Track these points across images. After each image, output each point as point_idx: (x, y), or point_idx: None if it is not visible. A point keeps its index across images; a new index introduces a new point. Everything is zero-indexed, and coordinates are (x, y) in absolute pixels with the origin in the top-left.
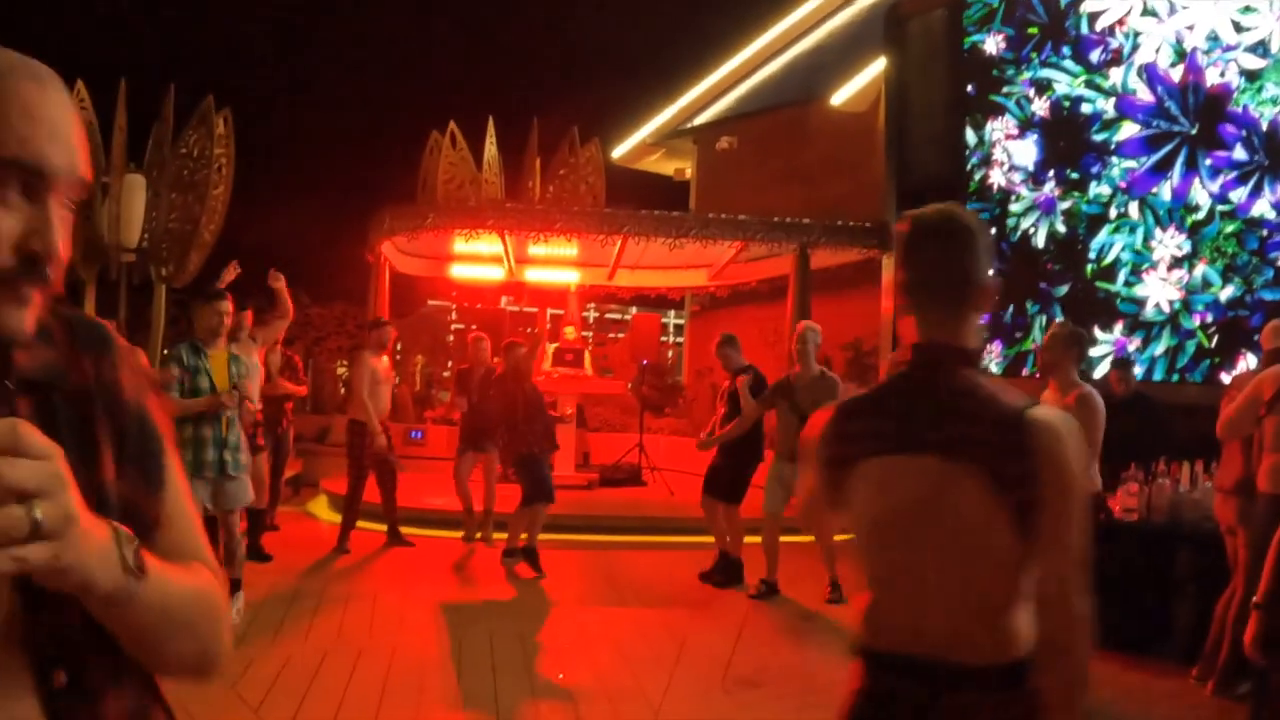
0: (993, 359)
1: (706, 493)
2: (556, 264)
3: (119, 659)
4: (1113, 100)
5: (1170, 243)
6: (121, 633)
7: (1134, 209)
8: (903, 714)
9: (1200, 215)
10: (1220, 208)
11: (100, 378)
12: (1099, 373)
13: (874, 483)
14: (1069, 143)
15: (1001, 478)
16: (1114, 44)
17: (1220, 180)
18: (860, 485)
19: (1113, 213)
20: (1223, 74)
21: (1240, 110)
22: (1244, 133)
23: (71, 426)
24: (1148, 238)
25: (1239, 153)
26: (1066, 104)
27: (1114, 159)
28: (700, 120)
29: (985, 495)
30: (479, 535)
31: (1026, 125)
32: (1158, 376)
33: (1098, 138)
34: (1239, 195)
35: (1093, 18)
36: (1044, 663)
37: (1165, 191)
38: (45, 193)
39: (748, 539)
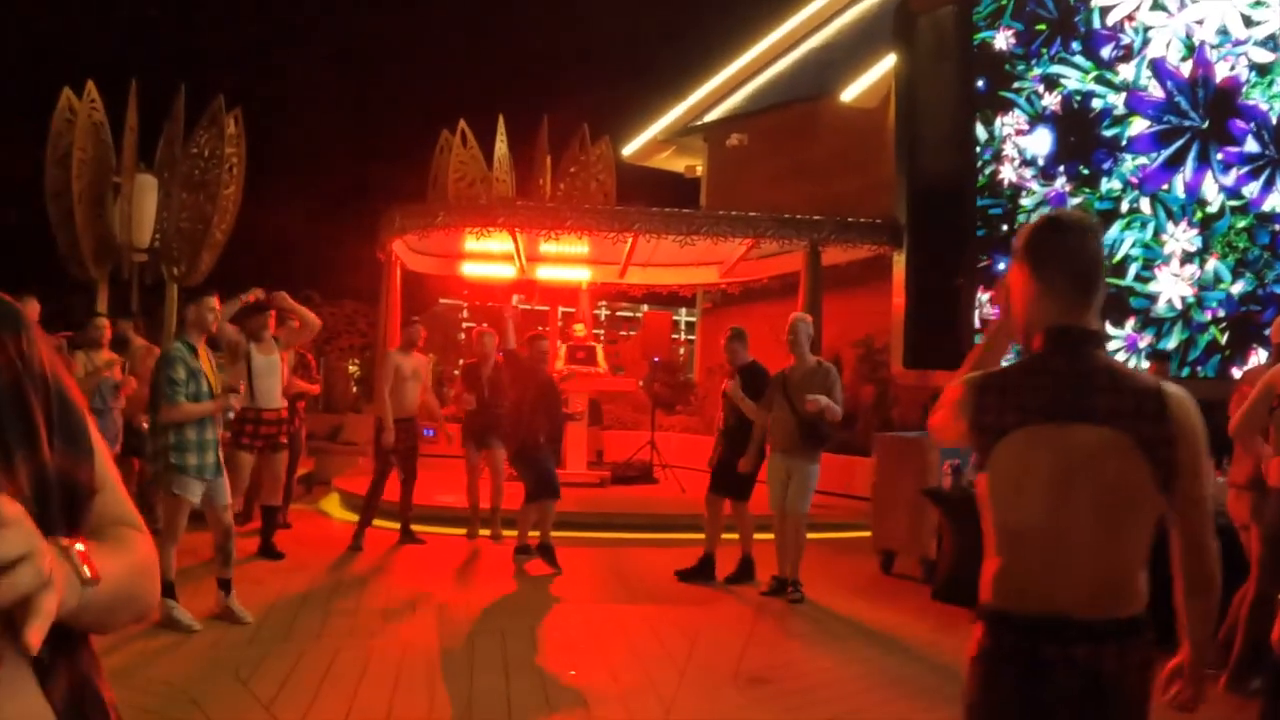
0: (1004, 355)
1: (713, 490)
2: (568, 262)
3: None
4: (1123, 95)
5: (1182, 237)
6: (76, 624)
7: (1145, 204)
8: (1033, 670)
9: (1212, 209)
10: (1231, 203)
11: (22, 357)
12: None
13: (1021, 451)
14: (1080, 138)
15: (1145, 440)
16: (1125, 40)
17: (1234, 174)
18: (1007, 454)
19: (1124, 207)
20: (1232, 68)
21: (1251, 104)
22: (1253, 126)
23: (11, 412)
24: (1159, 232)
25: (1250, 145)
26: (1077, 99)
27: (1126, 155)
28: (710, 117)
29: (1131, 455)
30: (488, 532)
31: (1037, 120)
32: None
33: (1108, 133)
34: (1251, 190)
35: (1104, 12)
36: (1189, 593)
37: (1178, 186)
38: None
39: (758, 535)
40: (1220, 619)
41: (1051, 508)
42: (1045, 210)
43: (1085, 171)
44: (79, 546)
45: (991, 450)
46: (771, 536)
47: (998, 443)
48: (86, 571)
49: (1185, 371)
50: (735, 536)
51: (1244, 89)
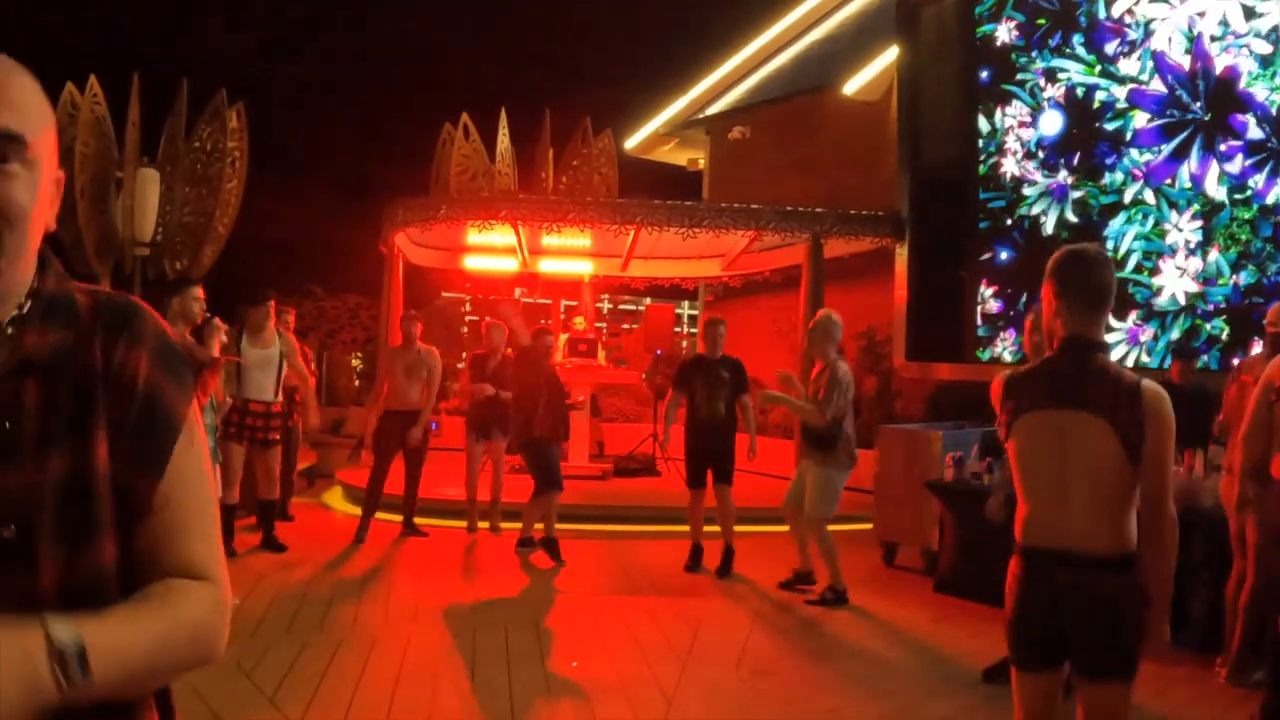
0: (1006, 347)
1: (698, 485)
2: (570, 255)
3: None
4: (1125, 89)
5: (1186, 228)
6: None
7: (1149, 195)
8: (1052, 590)
9: (1215, 200)
10: (1235, 195)
11: (110, 361)
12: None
13: (1035, 427)
14: (1081, 130)
15: (1119, 424)
16: (1128, 35)
17: (1239, 163)
18: (1024, 429)
19: (1128, 198)
20: (1234, 59)
21: (1251, 93)
22: (1251, 118)
23: (67, 407)
24: (1160, 222)
25: (1254, 132)
26: (1080, 91)
27: (1131, 149)
28: (713, 110)
29: (1107, 435)
30: (486, 524)
31: (1039, 112)
32: (1170, 362)
33: (1110, 126)
34: (1256, 181)
35: (1107, 4)
36: (1149, 545)
37: (1183, 177)
38: None
39: (752, 529)
40: (1216, 605)
41: (1055, 471)
42: (1044, 201)
43: (1090, 163)
44: (71, 639)
45: (1012, 425)
46: (754, 529)
47: (1017, 419)
48: (75, 664)
49: None
50: (717, 529)
51: (1244, 79)
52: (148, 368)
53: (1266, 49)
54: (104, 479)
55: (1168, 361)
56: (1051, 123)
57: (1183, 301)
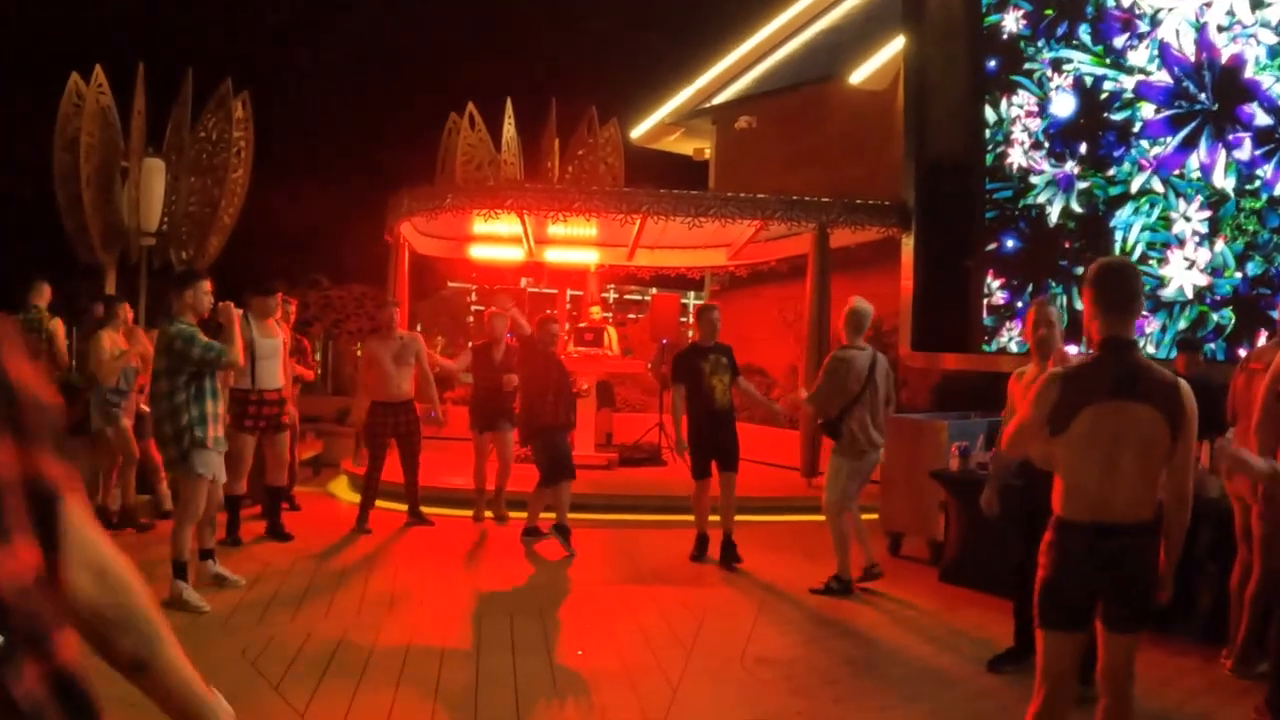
0: (1013, 338)
1: (704, 475)
2: (576, 244)
3: (45, 627)
4: (1133, 80)
5: (1196, 217)
6: None
7: (1157, 184)
8: (1096, 557)
9: (1224, 189)
10: (1245, 186)
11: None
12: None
13: (1097, 418)
14: (1089, 120)
15: (1168, 412)
16: (1139, 28)
17: (1248, 148)
18: (1081, 420)
19: (1135, 188)
20: (1240, 48)
21: (1257, 81)
22: (1256, 108)
23: None
24: (1168, 210)
25: (1262, 118)
26: (1089, 81)
27: (1142, 141)
28: (719, 100)
29: (1159, 421)
30: (490, 514)
31: (1046, 101)
32: (1176, 353)
33: (1118, 116)
34: (1265, 171)
35: None
36: (1171, 514)
37: (1193, 167)
38: None
39: (755, 518)
40: (1221, 596)
41: (1110, 454)
42: (1049, 190)
43: (1096, 153)
44: None
45: (1072, 419)
46: (758, 519)
47: (1077, 414)
48: None
49: None
50: (716, 518)
51: (1250, 67)
52: (20, 367)
53: (1273, 39)
54: (19, 477)
55: (1174, 353)
56: (1058, 112)
57: (1190, 294)
